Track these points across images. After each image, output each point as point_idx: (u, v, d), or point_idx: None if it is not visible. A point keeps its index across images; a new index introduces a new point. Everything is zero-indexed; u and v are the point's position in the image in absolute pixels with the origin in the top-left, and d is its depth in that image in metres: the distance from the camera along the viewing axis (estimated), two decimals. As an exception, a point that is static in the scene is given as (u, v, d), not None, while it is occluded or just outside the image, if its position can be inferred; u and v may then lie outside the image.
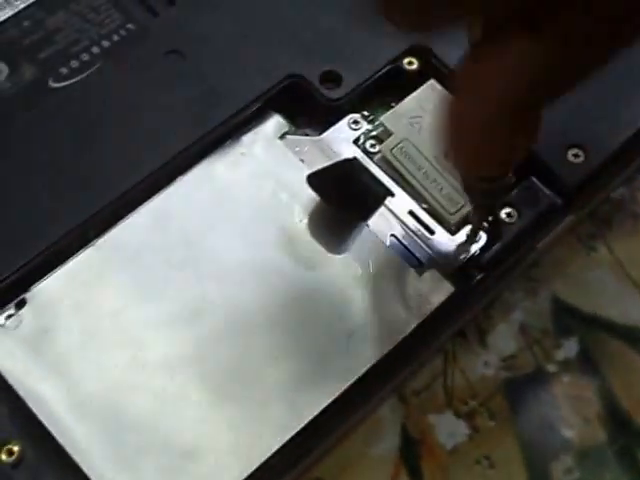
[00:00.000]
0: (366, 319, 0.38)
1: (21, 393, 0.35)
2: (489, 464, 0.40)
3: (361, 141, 0.42)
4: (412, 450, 0.40)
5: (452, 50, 0.43)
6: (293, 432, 0.36)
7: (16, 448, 0.35)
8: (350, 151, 0.41)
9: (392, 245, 0.40)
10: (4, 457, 0.34)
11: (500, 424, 0.40)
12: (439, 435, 0.40)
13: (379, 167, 0.41)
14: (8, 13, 0.41)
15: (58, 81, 0.40)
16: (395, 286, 0.39)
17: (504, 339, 0.42)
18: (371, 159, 0.41)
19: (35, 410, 0.35)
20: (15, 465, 0.35)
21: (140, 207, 0.39)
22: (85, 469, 0.34)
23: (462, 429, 0.40)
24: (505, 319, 0.42)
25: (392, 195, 0.40)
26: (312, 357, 0.37)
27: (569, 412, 0.41)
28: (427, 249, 0.40)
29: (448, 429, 0.40)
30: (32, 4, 0.42)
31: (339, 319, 0.38)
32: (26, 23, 0.41)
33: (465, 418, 0.40)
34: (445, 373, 0.41)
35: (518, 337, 0.42)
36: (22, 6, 0.42)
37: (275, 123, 0.41)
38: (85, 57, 0.41)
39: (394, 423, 0.40)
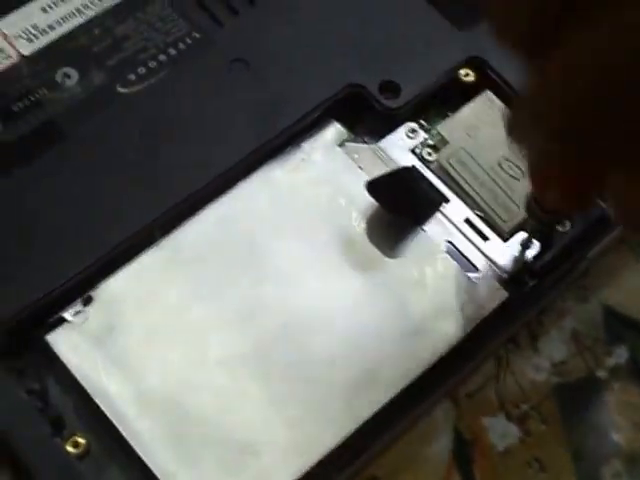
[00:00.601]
0: (421, 322, 0.38)
1: (87, 387, 0.35)
2: (540, 467, 0.39)
3: (418, 149, 0.42)
4: (464, 451, 0.39)
5: (507, 62, 0.43)
6: (350, 430, 0.36)
7: (82, 440, 0.35)
8: (407, 159, 0.41)
9: (448, 251, 0.40)
10: (70, 449, 0.34)
11: (551, 428, 0.40)
12: (491, 437, 0.40)
13: (435, 175, 0.41)
14: (79, 21, 0.41)
15: (126, 87, 0.40)
16: (450, 291, 0.39)
17: (555, 345, 0.42)
18: (427, 167, 0.41)
19: (100, 404, 0.35)
20: (81, 457, 0.34)
21: (204, 209, 0.39)
22: (148, 462, 0.34)
23: (514, 432, 0.40)
24: (557, 326, 0.42)
25: (448, 202, 0.40)
26: (368, 358, 0.37)
27: (619, 417, 0.40)
28: (481, 255, 0.40)
29: (500, 431, 0.40)
30: (102, 13, 0.42)
31: (395, 322, 0.38)
32: (96, 31, 0.41)
33: (517, 421, 0.40)
34: (498, 377, 0.41)
35: (569, 343, 0.42)
36: (92, 14, 0.42)
37: (335, 131, 0.41)
38: (152, 64, 0.41)
39: (447, 425, 0.40)
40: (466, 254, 0.40)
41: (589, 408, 0.41)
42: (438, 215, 0.40)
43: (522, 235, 0.40)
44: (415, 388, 0.37)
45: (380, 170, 0.40)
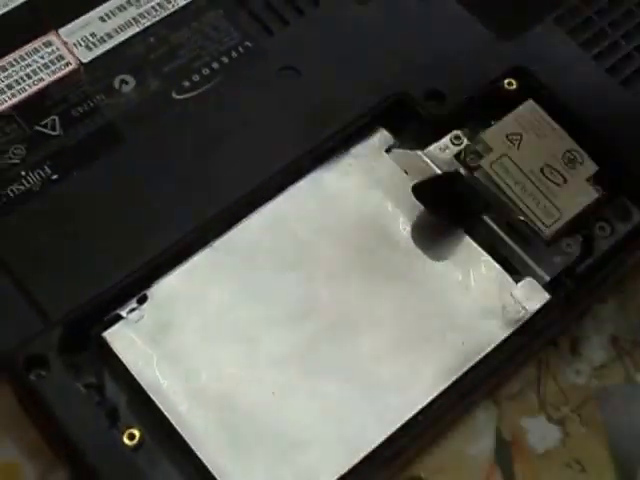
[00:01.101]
0: (464, 323, 0.38)
1: (141, 382, 0.36)
2: (580, 468, 0.39)
3: (462, 155, 0.42)
4: (506, 451, 0.40)
5: (550, 71, 0.43)
6: (395, 427, 0.36)
7: (137, 433, 0.35)
8: (452, 165, 0.41)
9: (491, 254, 0.40)
10: (126, 441, 0.35)
11: (591, 430, 0.40)
12: (531, 438, 0.40)
13: (479, 180, 0.41)
14: (135, 30, 0.42)
15: (180, 93, 0.41)
16: (492, 293, 0.39)
17: (595, 349, 0.42)
18: (471, 173, 0.41)
19: (154, 399, 0.36)
20: (136, 448, 0.35)
21: (255, 212, 0.39)
22: (200, 455, 0.35)
23: (554, 433, 0.40)
24: (596, 330, 0.42)
25: (491, 207, 0.40)
26: (412, 358, 0.38)
27: (657, 420, 0.41)
28: (524, 259, 0.40)
29: (540, 433, 0.40)
30: (157, 22, 0.43)
31: (439, 322, 0.38)
32: (152, 39, 0.42)
33: (557, 423, 0.40)
34: (539, 380, 0.41)
35: (609, 348, 0.42)
36: (148, 24, 0.42)
37: (382, 137, 0.42)
38: (206, 71, 0.42)
39: (489, 425, 0.40)
40: (509, 257, 0.40)
41: (628, 411, 0.41)
42: (482, 219, 0.40)
43: (564, 240, 0.40)
44: (458, 387, 0.37)
45: (425, 175, 0.41)
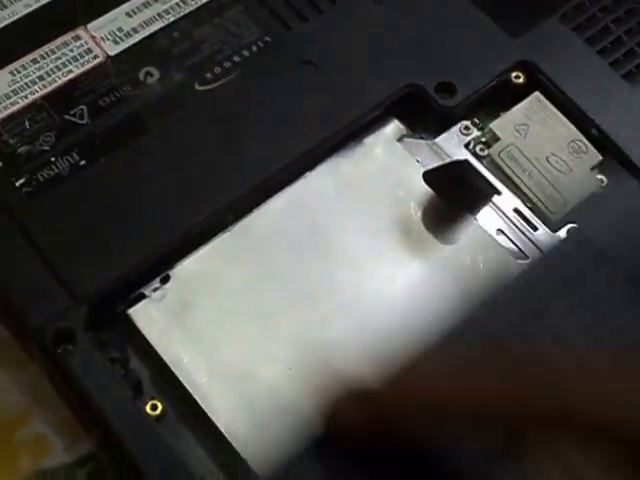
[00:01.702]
0: (473, 304, 0.38)
1: (164, 357, 0.36)
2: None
3: (471, 145, 0.42)
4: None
5: (556, 66, 0.43)
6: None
7: (159, 404, 0.35)
8: (461, 154, 0.42)
9: (498, 239, 0.40)
10: (149, 410, 0.35)
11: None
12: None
13: (487, 169, 0.41)
14: (160, 25, 0.42)
15: (203, 85, 0.41)
16: (500, 276, 0.39)
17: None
18: (480, 162, 0.42)
19: (176, 372, 0.36)
20: (158, 419, 0.35)
21: (273, 197, 0.39)
22: (219, 426, 0.35)
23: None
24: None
25: (499, 194, 0.40)
26: (424, 335, 0.37)
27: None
28: (531, 244, 0.40)
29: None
30: (181, 18, 0.43)
31: (448, 304, 0.38)
32: (176, 34, 0.42)
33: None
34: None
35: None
36: (172, 19, 0.43)
37: (394, 127, 0.42)
38: (227, 64, 0.42)
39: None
40: (516, 242, 0.40)
41: None
42: (490, 205, 0.40)
43: (570, 226, 0.40)
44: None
45: (436, 164, 0.41)
